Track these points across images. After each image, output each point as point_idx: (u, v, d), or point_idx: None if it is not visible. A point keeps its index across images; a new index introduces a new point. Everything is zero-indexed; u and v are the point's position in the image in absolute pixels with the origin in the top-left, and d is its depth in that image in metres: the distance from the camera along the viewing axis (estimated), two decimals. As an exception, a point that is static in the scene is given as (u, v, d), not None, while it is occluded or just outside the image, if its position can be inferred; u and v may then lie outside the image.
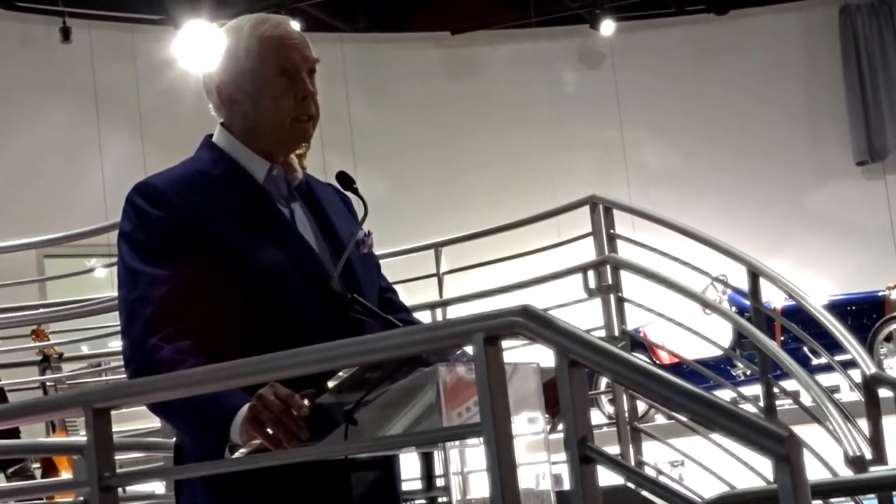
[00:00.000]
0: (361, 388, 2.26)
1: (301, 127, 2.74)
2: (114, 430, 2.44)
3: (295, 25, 2.85)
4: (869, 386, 5.60)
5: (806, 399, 6.59)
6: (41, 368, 8.45)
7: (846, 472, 5.49)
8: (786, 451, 1.78)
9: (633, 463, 6.86)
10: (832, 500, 4.64)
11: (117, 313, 2.65)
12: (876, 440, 5.54)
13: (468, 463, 2.32)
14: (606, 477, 2.52)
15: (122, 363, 2.63)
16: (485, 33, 15.55)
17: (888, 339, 9.91)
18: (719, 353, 8.16)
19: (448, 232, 8.96)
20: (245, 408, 2.35)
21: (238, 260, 2.60)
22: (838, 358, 6.54)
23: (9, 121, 12.81)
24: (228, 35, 2.77)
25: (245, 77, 2.72)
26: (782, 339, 9.62)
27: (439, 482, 5.82)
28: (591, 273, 7.20)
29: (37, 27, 13.34)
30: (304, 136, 2.77)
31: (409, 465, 2.74)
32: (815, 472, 5.74)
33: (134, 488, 6.08)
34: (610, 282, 7.16)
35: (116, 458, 2.46)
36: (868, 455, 5.48)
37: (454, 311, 7.87)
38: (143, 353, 2.51)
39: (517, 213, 8.66)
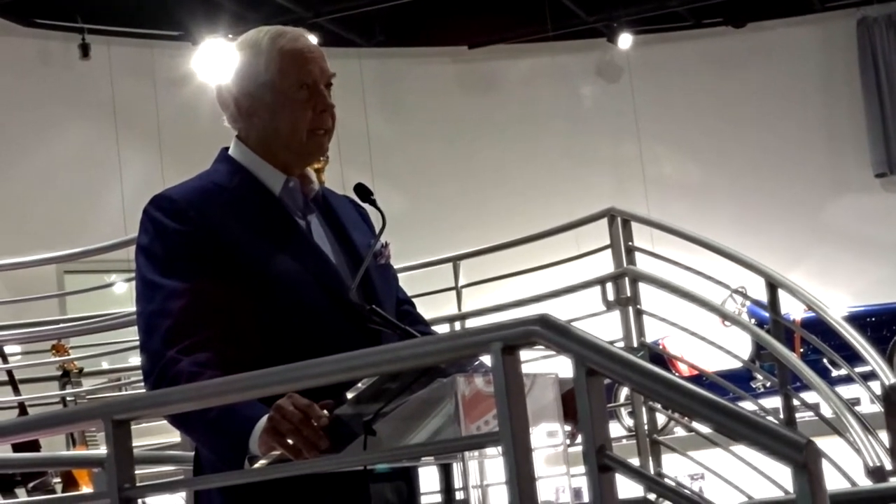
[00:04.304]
0: (380, 399, 2.24)
1: (318, 140, 2.73)
2: (134, 444, 2.44)
3: (312, 38, 2.84)
4: (889, 397, 5.60)
5: (826, 411, 6.58)
6: (61, 383, 8.46)
7: (866, 483, 5.48)
8: (804, 459, 1.78)
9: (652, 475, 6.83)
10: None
11: (136, 328, 2.64)
12: (895, 451, 5.53)
13: (487, 476, 2.31)
14: (627, 490, 2.52)
15: (141, 378, 2.63)
16: (502, 47, 15.56)
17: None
18: (739, 365, 8.14)
19: (466, 245, 8.97)
20: (264, 419, 2.34)
21: (255, 272, 2.59)
22: (858, 369, 6.53)
23: (28, 136, 12.86)
24: (246, 47, 2.76)
25: (263, 89, 2.71)
26: (802, 350, 9.61)
27: (458, 495, 5.82)
28: (609, 285, 7.20)
29: (56, 44, 13.40)
30: (321, 149, 2.76)
31: (428, 479, 2.73)
32: (835, 483, 5.72)
33: (153, 501, 6.08)
34: (628, 294, 7.17)
35: (137, 472, 2.47)
36: (888, 465, 5.48)
37: (473, 325, 7.86)
38: (161, 365, 2.51)
39: (535, 226, 8.65)
